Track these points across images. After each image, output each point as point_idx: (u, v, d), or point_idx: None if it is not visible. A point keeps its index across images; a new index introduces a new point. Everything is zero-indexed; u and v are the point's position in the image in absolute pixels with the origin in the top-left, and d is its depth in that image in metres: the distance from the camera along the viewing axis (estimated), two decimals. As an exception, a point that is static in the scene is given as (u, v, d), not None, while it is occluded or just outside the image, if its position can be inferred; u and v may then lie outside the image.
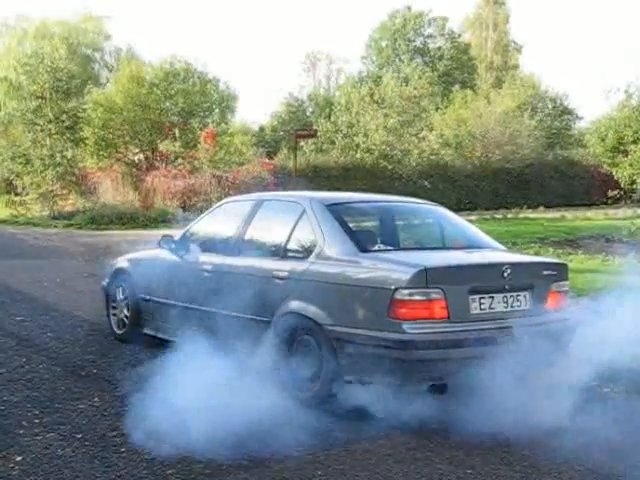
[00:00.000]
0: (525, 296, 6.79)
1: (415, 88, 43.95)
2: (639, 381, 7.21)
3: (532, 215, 33.71)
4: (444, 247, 8.10)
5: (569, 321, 7.03)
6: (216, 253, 8.45)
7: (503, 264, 6.84)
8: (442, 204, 9.10)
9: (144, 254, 10.11)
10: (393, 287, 6.31)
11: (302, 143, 42.10)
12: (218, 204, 9.62)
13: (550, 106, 56.27)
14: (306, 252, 7.35)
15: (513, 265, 6.89)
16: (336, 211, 7.52)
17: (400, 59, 67.26)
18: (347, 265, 6.87)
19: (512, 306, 6.69)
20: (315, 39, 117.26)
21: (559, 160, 46.35)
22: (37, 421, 6.49)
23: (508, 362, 5.97)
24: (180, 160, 36.62)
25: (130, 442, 5.89)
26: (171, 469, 5.45)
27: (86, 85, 38.97)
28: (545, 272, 7.18)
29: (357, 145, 42.27)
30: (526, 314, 6.64)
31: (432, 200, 9.52)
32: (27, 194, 38.04)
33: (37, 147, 35.58)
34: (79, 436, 6.12)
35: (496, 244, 8.03)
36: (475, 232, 8.34)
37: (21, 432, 6.21)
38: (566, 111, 57.06)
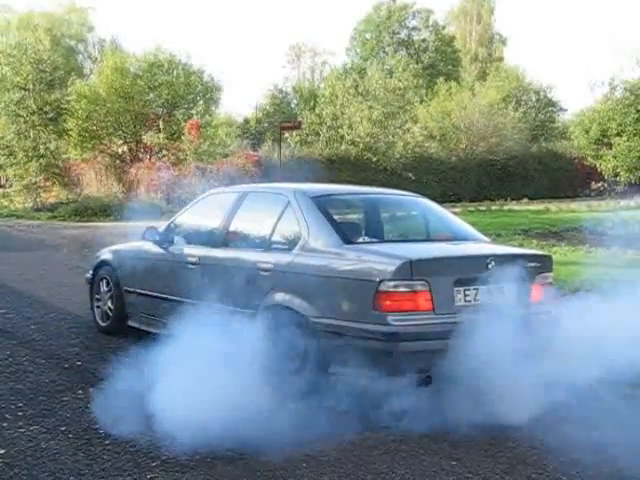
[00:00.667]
0: (509, 288, 6.76)
1: (399, 80, 43.96)
2: (622, 373, 7.21)
3: (516, 207, 33.75)
4: (429, 239, 8.07)
5: (552, 313, 7.04)
6: (200, 245, 8.44)
7: (487, 256, 6.83)
8: (426, 196, 9.10)
9: (128, 246, 10.07)
10: (378, 279, 6.30)
11: (287, 135, 42.08)
12: (202, 196, 9.58)
13: (534, 98, 56.41)
14: (291, 244, 7.35)
15: (497, 257, 6.88)
16: (321, 203, 7.52)
17: (384, 51, 67.27)
18: (332, 257, 6.87)
19: (496, 298, 6.67)
20: (300, 31, 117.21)
21: (543, 152, 46.45)
22: (21, 414, 6.47)
23: (492, 354, 5.97)
24: (164, 152, 36.58)
25: (114, 434, 5.88)
26: (155, 461, 5.44)
27: (70, 76, 38.79)
28: (529, 264, 7.11)
29: (342, 137, 42.32)
30: (510, 305, 6.58)
31: (416, 192, 9.49)
32: (10, 186, 37.99)
33: (20, 139, 35.47)
34: (63, 429, 6.10)
35: (480, 236, 8.05)
36: (459, 224, 8.36)
37: (4, 425, 6.18)
38: (550, 103, 57.20)
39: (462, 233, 8.05)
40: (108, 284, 9.75)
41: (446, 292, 6.45)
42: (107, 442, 5.78)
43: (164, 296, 8.62)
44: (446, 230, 8.30)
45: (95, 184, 36.19)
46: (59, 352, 8.65)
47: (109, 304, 9.69)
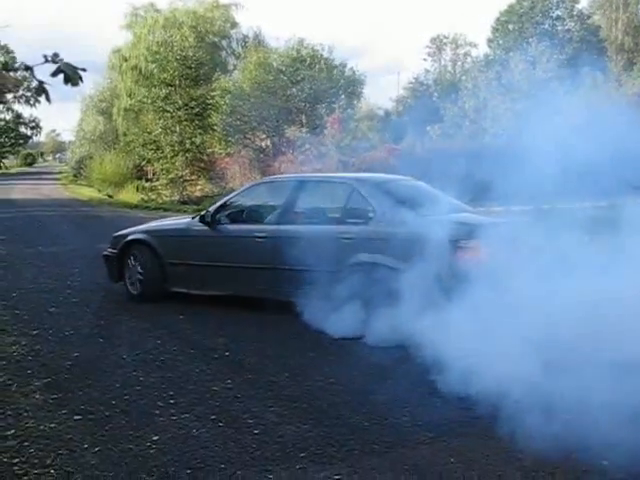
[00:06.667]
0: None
1: (544, 72, 43.14)
2: None
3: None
4: (457, 210, 9.70)
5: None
6: (263, 223, 10.39)
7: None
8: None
9: (166, 225, 12.12)
10: (455, 239, 8.40)
11: (428, 128, 41.86)
12: (251, 183, 12.33)
13: (686, 88, 54.45)
14: (364, 219, 9.41)
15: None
16: (380, 188, 9.76)
17: (527, 42, 66.06)
18: (408, 225, 8.72)
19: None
20: (441, 23, 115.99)
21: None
22: (172, 402, 6.62)
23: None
24: (307, 146, 36.83)
25: (263, 423, 5.95)
26: (303, 452, 5.47)
27: (214, 72, 39.53)
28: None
29: (484, 130, 41.76)
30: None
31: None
32: (157, 180, 38.93)
33: (167, 134, 36.38)
34: (213, 417, 6.21)
35: (470, 208, 10.13)
36: (457, 201, 10.16)
37: (157, 412, 6.34)
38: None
39: (461, 207, 9.95)
40: (137, 259, 11.38)
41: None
42: (256, 432, 5.85)
43: (230, 265, 10.45)
44: (452, 205, 9.90)
45: (239, 178, 36.71)
46: (207, 342, 8.82)
47: (139, 275, 11.30)
